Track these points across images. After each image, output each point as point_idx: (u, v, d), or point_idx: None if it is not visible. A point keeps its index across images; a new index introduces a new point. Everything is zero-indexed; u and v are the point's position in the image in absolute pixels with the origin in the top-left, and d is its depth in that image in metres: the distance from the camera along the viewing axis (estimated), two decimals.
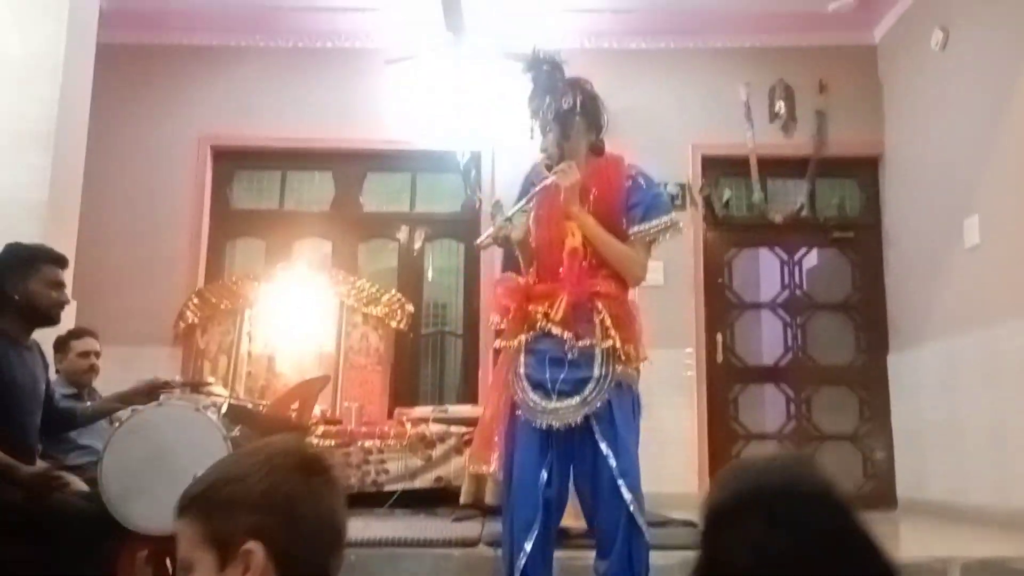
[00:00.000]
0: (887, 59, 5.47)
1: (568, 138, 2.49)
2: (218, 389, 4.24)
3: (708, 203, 5.56)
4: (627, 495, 2.23)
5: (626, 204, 2.45)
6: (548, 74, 2.51)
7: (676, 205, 5.41)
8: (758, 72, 5.54)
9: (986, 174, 4.36)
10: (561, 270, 2.38)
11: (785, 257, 5.56)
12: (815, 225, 5.52)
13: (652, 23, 5.52)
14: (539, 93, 2.50)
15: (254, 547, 0.89)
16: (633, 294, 2.52)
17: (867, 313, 5.45)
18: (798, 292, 5.56)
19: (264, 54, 5.66)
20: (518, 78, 5.36)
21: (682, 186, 5.46)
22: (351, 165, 5.75)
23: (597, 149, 2.53)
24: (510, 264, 2.68)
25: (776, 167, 5.50)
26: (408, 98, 5.61)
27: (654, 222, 2.45)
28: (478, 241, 2.66)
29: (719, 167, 5.61)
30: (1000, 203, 4.24)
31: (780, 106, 5.51)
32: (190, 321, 5.28)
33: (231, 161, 5.75)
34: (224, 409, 2.95)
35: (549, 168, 2.53)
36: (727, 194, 5.60)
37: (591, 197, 2.44)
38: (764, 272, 5.72)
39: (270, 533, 0.91)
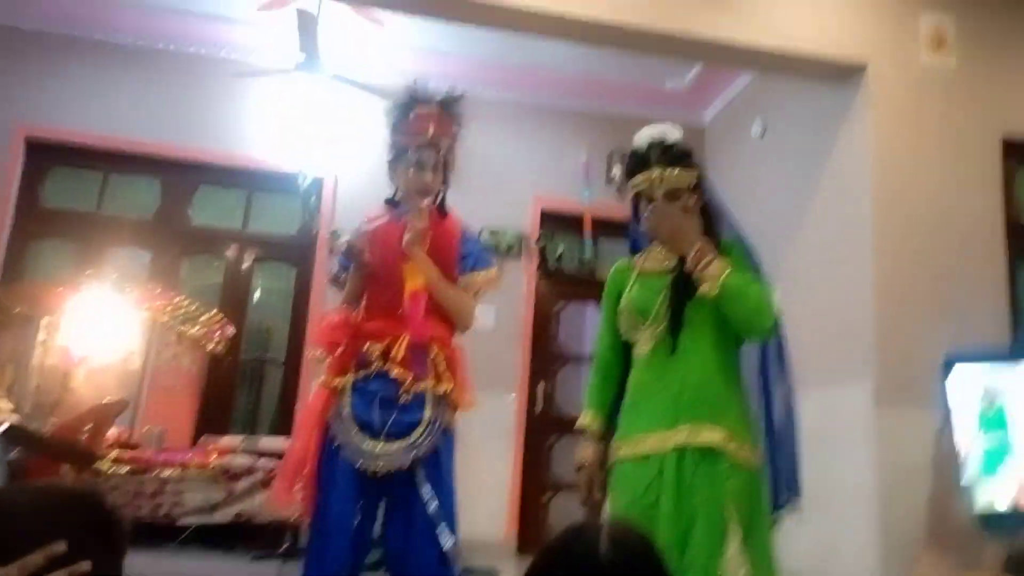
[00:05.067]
0: (713, 140, 5.94)
1: (447, 184, 2.52)
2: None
3: (543, 255, 5.75)
4: (446, 540, 2.22)
5: (459, 254, 2.50)
6: (457, 116, 2.51)
7: (513, 254, 5.56)
8: (599, 137, 5.83)
9: (788, 256, 4.80)
10: (400, 311, 2.36)
11: None
12: None
13: (506, 76, 5.69)
14: (448, 129, 2.48)
15: None
16: (458, 340, 2.54)
17: None
18: None
19: (100, 48, 5.31)
20: (369, 109, 5.33)
21: (520, 236, 5.62)
22: (182, 175, 5.46)
23: (442, 207, 2.54)
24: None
25: (608, 228, 5.76)
26: (252, 114, 5.44)
27: (482, 273, 2.52)
28: (340, 239, 2.60)
29: (556, 222, 5.82)
30: (797, 283, 4.67)
31: (616, 171, 5.81)
32: None
33: (47, 156, 5.30)
34: (3, 428, 2.67)
35: (393, 204, 2.54)
36: (561, 248, 5.83)
37: (427, 245, 2.44)
38: (589, 326, 5.95)
39: None
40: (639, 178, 2.13)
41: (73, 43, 5.27)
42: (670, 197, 2.08)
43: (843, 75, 4.24)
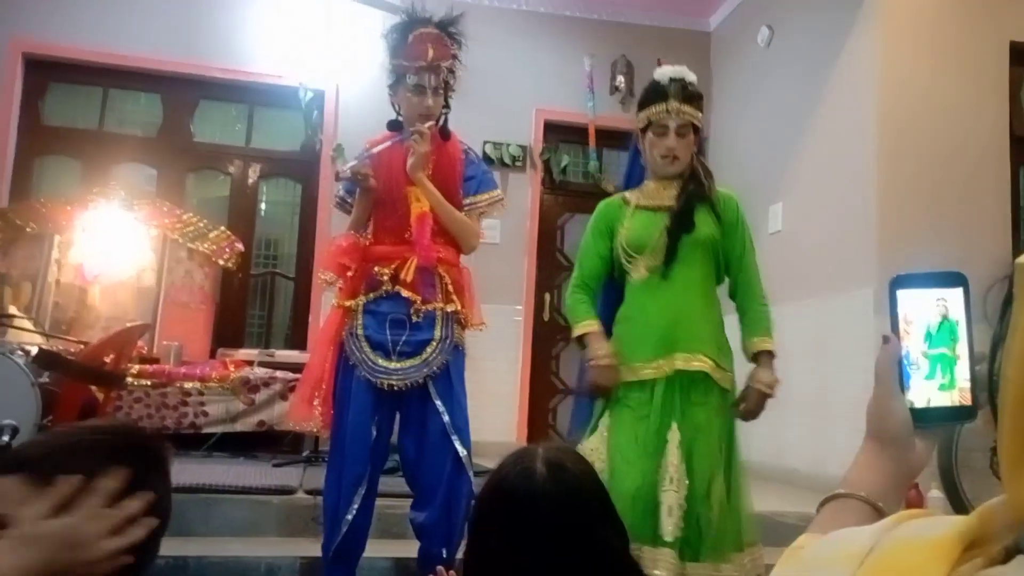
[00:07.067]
0: (719, 48, 5.84)
1: (448, 107, 2.53)
2: (21, 322, 3.97)
3: (547, 167, 5.76)
4: (460, 448, 2.35)
5: (462, 177, 2.53)
6: (456, 38, 2.49)
7: (517, 166, 5.58)
8: (602, 45, 5.74)
9: (792, 167, 4.81)
10: (408, 234, 2.41)
11: None
12: None
13: None
14: (447, 51, 2.46)
15: None
16: (465, 261, 2.60)
17: None
18: None
19: None
20: (369, 21, 5.26)
21: (523, 148, 5.61)
22: (183, 90, 5.42)
23: (444, 130, 2.55)
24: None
25: (613, 139, 5.71)
26: (251, 27, 5.35)
27: (486, 195, 2.55)
28: (343, 167, 2.59)
29: (560, 133, 5.79)
30: (801, 195, 4.70)
31: (620, 80, 5.75)
32: None
33: (46, 72, 5.26)
34: (34, 353, 2.78)
35: (395, 127, 2.54)
36: (565, 160, 5.82)
37: (431, 168, 2.46)
38: None
39: None
40: (655, 108, 2.21)
41: None
42: (681, 132, 2.19)
43: None
